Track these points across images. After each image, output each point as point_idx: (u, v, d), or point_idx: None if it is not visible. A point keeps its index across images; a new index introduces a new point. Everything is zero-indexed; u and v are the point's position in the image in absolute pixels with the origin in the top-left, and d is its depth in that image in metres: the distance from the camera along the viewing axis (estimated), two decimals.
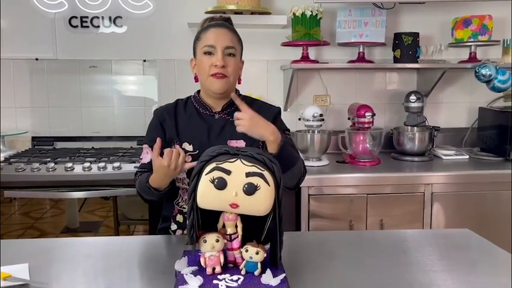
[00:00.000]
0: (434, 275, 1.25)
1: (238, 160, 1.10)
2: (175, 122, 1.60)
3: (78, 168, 2.40)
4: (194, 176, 1.12)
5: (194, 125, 1.59)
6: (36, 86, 2.89)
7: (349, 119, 2.82)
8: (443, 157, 2.81)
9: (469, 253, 1.42)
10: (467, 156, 2.81)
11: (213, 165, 1.10)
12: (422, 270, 1.28)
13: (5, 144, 2.80)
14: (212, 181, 1.09)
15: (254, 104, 1.66)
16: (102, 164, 2.41)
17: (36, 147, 2.87)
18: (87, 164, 2.41)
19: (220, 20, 1.59)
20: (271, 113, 1.65)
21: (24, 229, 2.48)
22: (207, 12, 2.69)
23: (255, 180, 1.09)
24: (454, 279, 1.23)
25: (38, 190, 2.38)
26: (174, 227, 1.61)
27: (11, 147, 2.84)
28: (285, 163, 1.42)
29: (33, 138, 2.89)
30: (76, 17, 2.85)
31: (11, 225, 2.48)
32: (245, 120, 1.42)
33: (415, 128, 2.85)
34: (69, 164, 2.40)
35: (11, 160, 2.48)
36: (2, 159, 2.52)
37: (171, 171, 1.36)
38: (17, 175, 2.35)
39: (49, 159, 2.49)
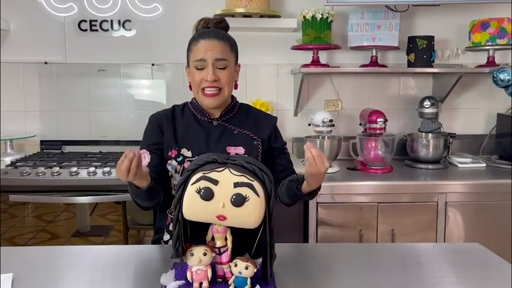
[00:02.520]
0: None
1: (227, 169, 1.05)
2: (173, 128, 1.56)
3: (83, 173, 2.38)
4: (180, 185, 1.06)
5: (192, 131, 1.55)
6: (45, 89, 2.89)
7: (360, 124, 2.74)
8: (459, 165, 2.71)
9: (478, 270, 1.33)
10: (485, 165, 2.71)
11: (199, 174, 1.05)
12: None
13: (13, 147, 2.80)
14: (198, 191, 1.04)
15: (251, 112, 1.63)
16: (107, 169, 2.39)
17: (44, 150, 2.87)
18: (92, 169, 2.39)
19: (214, 23, 1.54)
20: (269, 124, 1.61)
21: (36, 232, 2.47)
22: (215, 15, 2.65)
23: (244, 191, 1.03)
24: None
25: (43, 195, 2.37)
26: (166, 237, 1.56)
27: (20, 150, 2.83)
28: (301, 199, 1.44)
29: (42, 142, 2.89)
30: (85, 21, 2.84)
31: (23, 228, 2.48)
32: (318, 167, 1.27)
33: (430, 134, 2.77)
34: (74, 169, 2.38)
35: (17, 164, 2.47)
36: (9, 162, 2.52)
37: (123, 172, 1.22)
38: (22, 179, 2.34)
39: (55, 163, 2.48)
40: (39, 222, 2.49)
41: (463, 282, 1.24)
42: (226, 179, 1.04)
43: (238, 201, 1.03)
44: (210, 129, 1.55)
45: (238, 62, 1.59)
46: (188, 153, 1.51)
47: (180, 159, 1.51)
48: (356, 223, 2.37)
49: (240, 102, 1.64)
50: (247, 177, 1.04)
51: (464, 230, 2.41)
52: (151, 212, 2.38)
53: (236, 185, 1.03)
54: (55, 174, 2.36)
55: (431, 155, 2.69)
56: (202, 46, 1.46)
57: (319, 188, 1.40)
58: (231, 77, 1.51)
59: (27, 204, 2.47)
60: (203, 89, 1.48)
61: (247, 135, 1.55)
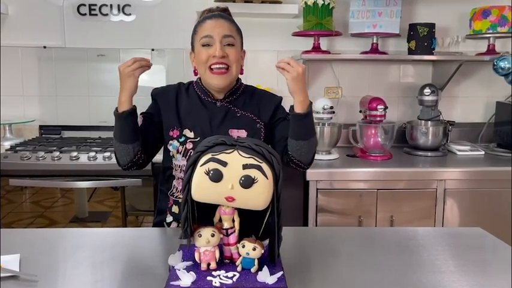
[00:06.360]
0: (441, 276, 1.18)
1: (235, 151, 1.05)
2: (176, 105, 1.56)
3: (83, 158, 2.38)
4: (189, 167, 1.07)
5: (196, 111, 1.55)
6: (44, 74, 2.87)
7: (360, 111, 2.75)
8: (458, 153, 2.72)
9: (479, 253, 1.35)
10: (483, 152, 2.73)
11: (208, 156, 1.05)
12: (428, 271, 1.21)
13: (12, 132, 2.78)
14: (207, 173, 1.04)
15: (256, 93, 1.63)
16: (107, 154, 2.38)
17: (43, 135, 2.86)
18: (92, 154, 2.38)
19: (217, 11, 1.56)
20: (274, 102, 1.61)
21: (34, 218, 2.47)
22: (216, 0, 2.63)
23: (253, 172, 1.04)
24: (463, 281, 1.16)
25: (43, 179, 2.36)
26: (169, 218, 1.57)
27: (19, 135, 2.82)
28: (307, 130, 1.46)
29: (41, 127, 2.88)
30: (84, 5, 2.82)
31: (21, 214, 2.48)
32: (295, 68, 1.39)
33: (429, 122, 2.78)
34: (75, 153, 2.37)
35: (17, 148, 2.46)
36: (8, 147, 2.51)
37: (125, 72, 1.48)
38: (22, 163, 2.33)
39: (55, 148, 2.47)
40: (37, 208, 2.48)
41: (465, 265, 1.25)
42: (235, 161, 1.04)
43: (247, 182, 1.03)
44: (214, 110, 1.55)
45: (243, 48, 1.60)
46: (191, 134, 1.52)
47: (182, 139, 1.52)
48: (355, 210, 2.39)
49: (244, 84, 1.64)
50: (255, 159, 1.04)
51: (462, 217, 2.43)
52: (151, 198, 2.39)
53: (245, 166, 1.04)
54: (55, 158, 2.36)
55: (431, 143, 2.71)
56: (209, 25, 1.48)
57: (309, 103, 1.44)
58: (238, 56, 1.51)
59: (24, 190, 2.47)
60: (211, 67, 1.47)
61: (250, 118, 1.56)
